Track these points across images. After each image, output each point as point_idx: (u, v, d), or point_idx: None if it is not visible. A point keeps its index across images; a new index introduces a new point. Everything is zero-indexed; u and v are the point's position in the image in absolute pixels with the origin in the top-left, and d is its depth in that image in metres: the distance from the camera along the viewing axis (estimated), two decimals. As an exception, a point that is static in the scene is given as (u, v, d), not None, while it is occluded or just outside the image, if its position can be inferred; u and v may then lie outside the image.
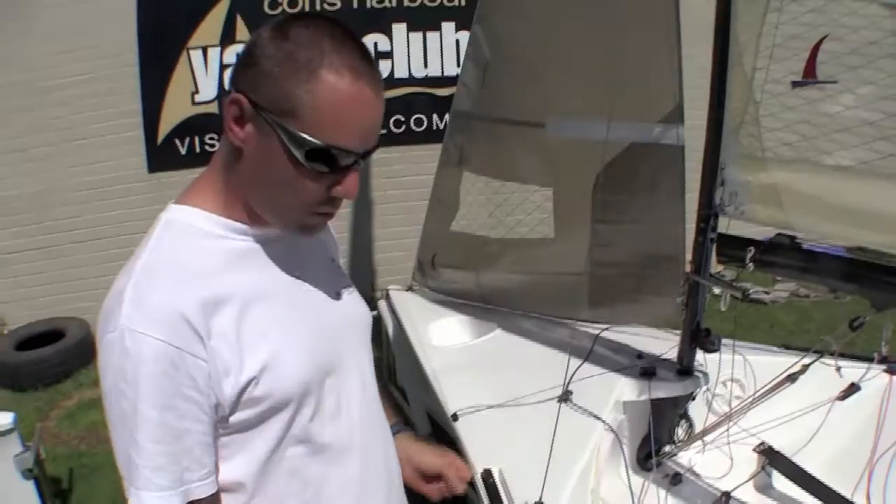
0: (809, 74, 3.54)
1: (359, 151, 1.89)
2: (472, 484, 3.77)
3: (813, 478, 3.91)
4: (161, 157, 9.79)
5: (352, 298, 2.39)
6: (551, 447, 3.30)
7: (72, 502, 6.59)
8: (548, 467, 3.41)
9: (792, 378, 4.10)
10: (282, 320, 2.04)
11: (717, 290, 4.28)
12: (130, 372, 1.79)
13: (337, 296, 2.31)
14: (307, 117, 1.83)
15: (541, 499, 3.40)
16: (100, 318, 1.89)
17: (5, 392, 8.77)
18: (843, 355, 4.37)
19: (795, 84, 3.62)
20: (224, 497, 2.02)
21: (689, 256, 4.33)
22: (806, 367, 4.09)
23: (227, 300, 1.93)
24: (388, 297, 6.31)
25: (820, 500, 3.82)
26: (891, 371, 4.51)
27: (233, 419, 1.94)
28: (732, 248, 4.04)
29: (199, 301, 1.86)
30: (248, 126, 1.91)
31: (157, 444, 1.83)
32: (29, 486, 5.80)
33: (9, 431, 5.58)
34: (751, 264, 3.89)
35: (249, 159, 1.95)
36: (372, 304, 6.70)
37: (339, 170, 1.90)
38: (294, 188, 1.91)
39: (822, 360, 4.17)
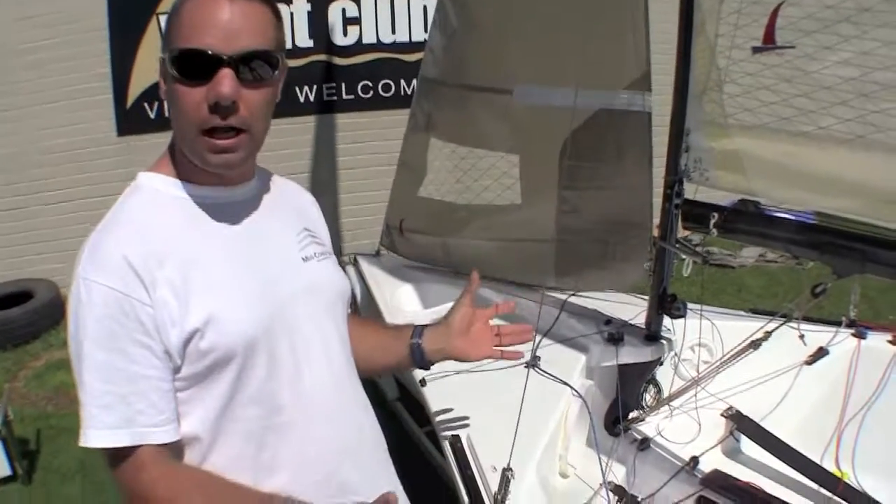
0: (768, 40, 3.54)
1: (218, 52, 1.94)
2: (439, 450, 3.80)
3: (781, 442, 3.93)
4: (130, 120, 9.81)
5: (321, 267, 2.44)
6: (519, 413, 3.31)
7: (39, 463, 6.61)
8: (516, 433, 3.41)
9: (755, 344, 4.12)
10: (229, 277, 2.11)
11: (682, 255, 4.29)
12: (82, 317, 1.95)
13: (301, 262, 2.36)
14: (175, 37, 1.99)
15: (509, 464, 3.42)
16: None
17: (-28, 353, 8.77)
18: (810, 319, 4.39)
19: (756, 50, 3.62)
20: (184, 449, 2.09)
21: (656, 222, 4.34)
22: (769, 333, 4.10)
23: (177, 254, 2.02)
24: (355, 263, 6.35)
25: (788, 464, 3.85)
26: (858, 335, 4.52)
27: (184, 371, 2.03)
28: (697, 214, 4.05)
29: (148, 253, 1.98)
30: (163, 79, 2.06)
31: (104, 384, 1.94)
32: None
33: None
34: (714, 230, 3.90)
35: (168, 105, 2.08)
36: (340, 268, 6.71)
37: (210, 75, 1.95)
38: (181, 107, 2.01)
39: (788, 325, 4.18)
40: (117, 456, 1.98)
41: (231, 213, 2.22)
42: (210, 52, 1.93)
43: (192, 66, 1.95)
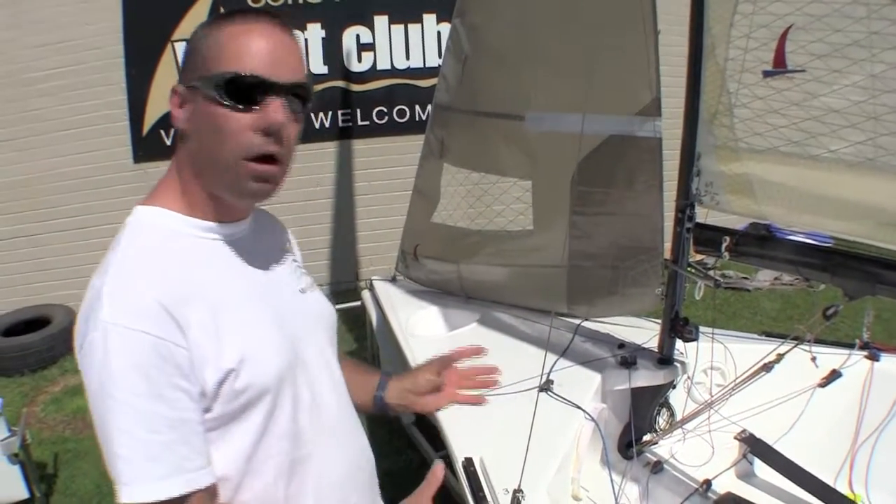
0: (779, 64, 3.56)
1: (270, 79, 1.94)
2: (453, 472, 3.81)
3: (794, 465, 3.93)
4: (147, 147, 9.87)
5: (315, 297, 2.46)
6: (529, 435, 3.33)
7: (57, 487, 6.62)
8: (526, 456, 3.43)
9: (767, 367, 4.11)
10: (256, 315, 2.10)
11: (695, 280, 4.29)
12: (117, 367, 1.80)
13: (301, 293, 2.38)
14: (216, 61, 1.95)
15: (520, 486, 3.43)
16: (77, 323, 1.93)
17: (-9, 377, 8.81)
18: (824, 342, 4.38)
19: (766, 74, 3.63)
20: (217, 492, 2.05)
21: (667, 245, 4.35)
22: (781, 356, 4.11)
23: (203, 294, 1.98)
24: (371, 288, 6.37)
25: (801, 487, 3.84)
26: (872, 357, 4.53)
27: (215, 411, 1.97)
28: (709, 237, 4.06)
29: (176, 293, 1.91)
30: (186, 107, 2.02)
31: (149, 434, 1.82)
32: (14, 471, 5.88)
33: None
34: (726, 254, 3.91)
35: (193, 133, 2.04)
36: (355, 294, 6.74)
37: (260, 103, 1.95)
38: (225, 133, 1.96)
39: (800, 347, 4.19)
40: None
41: (240, 249, 2.20)
42: (266, 79, 1.94)
43: (242, 90, 1.93)
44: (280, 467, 2.12)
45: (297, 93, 2.01)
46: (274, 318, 2.16)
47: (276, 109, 1.94)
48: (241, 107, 1.94)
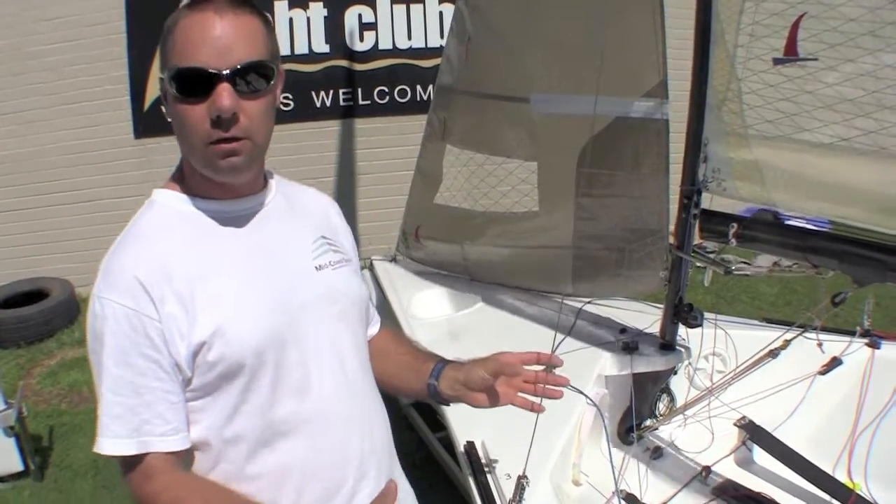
0: (790, 52, 3.54)
1: (210, 68, 1.98)
2: (453, 455, 3.79)
3: (793, 452, 3.93)
4: (147, 123, 9.81)
5: (337, 275, 2.42)
6: (535, 421, 3.33)
7: (52, 460, 6.62)
8: (532, 442, 3.41)
9: (773, 353, 4.12)
10: (239, 289, 2.14)
11: (699, 264, 4.28)
12: (98, 332, 2.05)
13: (315, 271, 2.36)
14: (171, 57, 2.04)
15: (524, 472, 3.42)
16: None
17: (-13, 348, 8.87)
18: (824, 329, 4.38)
19: (777, 61, 3.62)
20: (195, 455, 2.16)
21: (672, 230, 4.34)
22: (788, 342, 4.10)
23: (186, 269, 2.08)
24: (371, 268, 6.36)
25: (800, 474, 3.85)
26: (872, 344, 4.52)
27: (194, 382, 2.08)
28: (715, 223, 4.05)
29: (157, 269, 2.06)
30: (165, 98, 2.10)
31: (115, 396, 2.03)
32: (10, 443, 5.96)
33: None
34: (733, 240, 3.90)
35: (173, 123, 2.12)
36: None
37: (209, 91, 2.00)
38: (185, 124, 2.06)
39: (805, 335, 4.18)
40: (128, 464, 2.06)
41: (241, 225, 2.25)
42: (206, 70, 1.98)
43: (191, 84, 2.00)
44: (256, 443, 2.15)
45: (255, 71, 2.05)
46: (266, 293, 2.19)
47: (219, 96, 1.98)
48: (192, 99, 2.01)
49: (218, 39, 1.98)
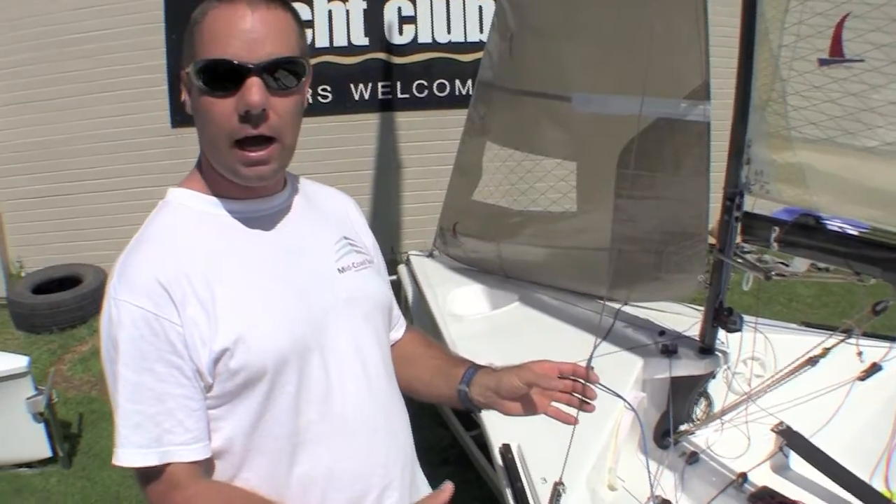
0: (836, 53, 3.49)
1: (241, 61, 1.94)
2: (487, 457, 3.76)
3: (830, 459, 3.89)
4: (185, 113, 9.65)
5: (360, 277, 2.37)
6: (573, 426, 3.30)
7: (80, 447, 6.68)
8: (569, 448, 3.37)
9: (813, 361, 4.07)
10: (261, 294, 2.09)
11: (740, 267, 4.24)
12: (114, 337, 1.96)
13: (337, 273, 2.31)
14: (199, 49, 2.00)
15: (561, 479, 3.39)
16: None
17: (20, 333, 8.98)
18: (864, 334, 4.33)
19: (822, 62, 3.57)
20: (215, 464, 2.09)
21: (712, 233, 4.31)
22: (828, 350, 4.06)
23: (206, 272, 2.02)
24: (408, 263, 6.36)
25: (836, 482, 3.81)
26: (914, 350, 4.47)
27: (215, 389, 2.02)
28: (758, 227, 4.01)
29: (177, 271, 2.00)
30: (190, 93, 2.06)
31: (134, 405, 1.96)
32: (39, 429, 6.00)
33: (23, 374, 5.79)
34: (775, 244, 3.86)
35: (195, 119, 2.08)
36: (391, 267, 6.74)
37: (238, 85, 1.96)
38: (210, 119, 2.02)
39: (846, 342, 4.14)
40: (148, 475, 2.00)
41: (262, 226, 2.21)
42: (235, 62, 1.94)
43: (219, 77, 1.96)
44: (280, 450, 2.11)
45: (285, 67, 2.01)
46: (288, 298, 2.14)
47: (248, 90, 1.94)
48: (219, 93, 1.97)
49: (249, 32, 1.95)
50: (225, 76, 1.94)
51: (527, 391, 2.42)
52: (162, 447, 1.96)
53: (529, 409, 2.47)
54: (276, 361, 2.04)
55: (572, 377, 2.40)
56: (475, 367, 2.59)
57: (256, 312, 2.05)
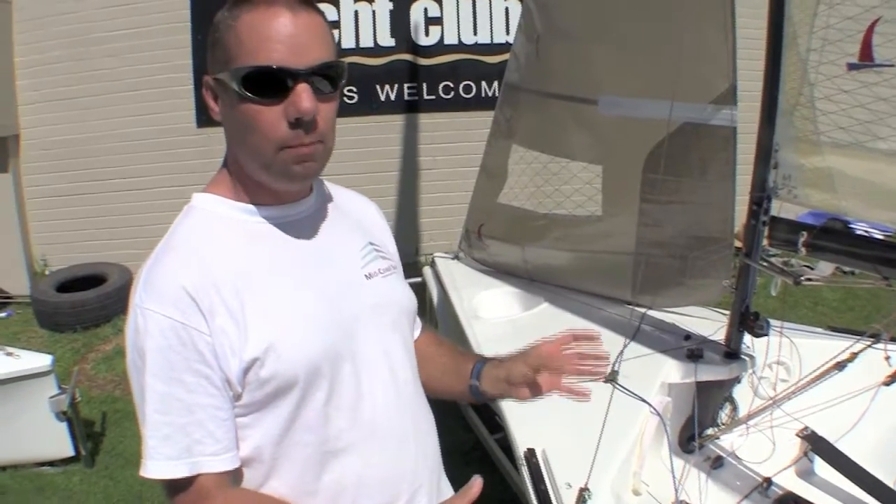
0: (866, 57, 3.48)
1: (291, 67, 1.90)
2: (511, 459, 3.75)
3: (855, 464, 3.88)
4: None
5: (387, 283, 2.35)
6: (601, 431, 3.27)
7: (103, 446, 6.70)
8: (596, 453, 3.37)
9: (840, 366, 4.05)
10: (291, 302, 2.06)
11: (767, 272, 4.22)
12: (140, 347, 1.91)
13: (364, 280, 2.28)
14: (236, 55, 1.93)
15: (587, 485, 3.38)
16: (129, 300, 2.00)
17: (44, 331, 9.00)
18: (891, 339, 4.30)
19: (851, 66, 3.55)
20: (243, 472, 2.07)
21: (737, 237, 4.30)
22: (855, 354, 4.04)
23: (235, 279, 1.98)
24: (433, 265, 6.33)
25: (862, 488, 3.79)
26: (941, 355, 4.44)
27: (244, 399, 1.99)
28: (785, 231, 3.99)
29: (205, 279, 1.95)
30: (218, 99, 2.02)
31: (163, 416, 1.92)
32: (62, 428, 6.02)
33: (46, 373, 5.81)
34: (803, 249, 3.84)
35: (226, 127, 2.04)
36: (415, 268, 6.69)
37: (285, 91, 1.91)
38: (255, 127, 1.95)
39: (874, 347, 4.12)
40: (177, 486, 1.97)
41: (290, 232, 2.16)
42: (285, 68, 1.89)
43: (265, 83, 1.91)
44: (310, 459, 2.09)
45: (325, 73, 1.97)
46: (318, 305, 2.12)
47: (301, 98, 1.90)
48: (267, 100, 1.92)
49: (295, 37, 1.91)
50: (272, 83, 1.90)
51: (535, 376, 2.43)
52: (192, 458, 1.93)
53: (542, 389, 2.45)
54: (307, 370, 2.02)
55: (574, 342, 2.40)
56: (483, 361, 2.60)
57: (287, 320, 2.02)
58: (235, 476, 2.03)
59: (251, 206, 2.12)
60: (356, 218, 2.46)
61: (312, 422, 2.06)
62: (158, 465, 1.93)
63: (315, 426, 2.07)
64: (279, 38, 1.90)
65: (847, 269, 5.80)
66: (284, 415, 2.03)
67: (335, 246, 2.26)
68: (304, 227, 2.20)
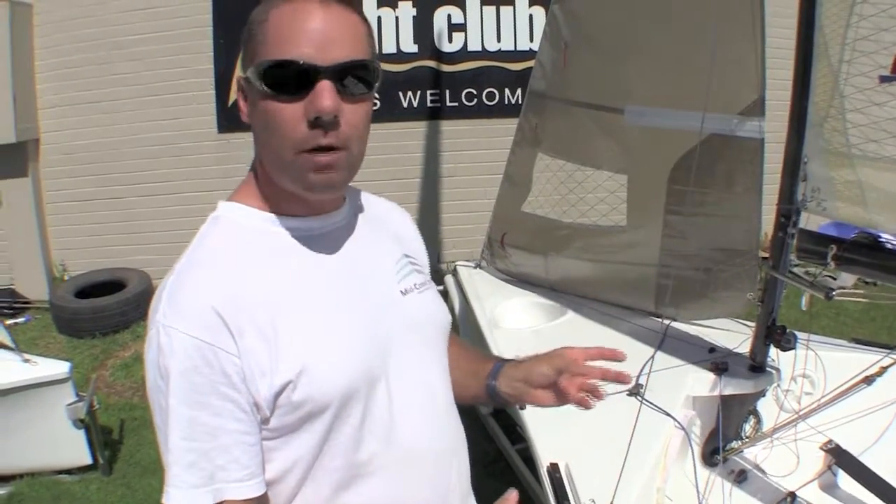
0: (898, 70, 3.46)
1: (313, 63, 1.81)
2: (533, 471, 3.72)
3: (880, 479, 3.85)
4: (231, 117, 9.87)
5: (422, 300, 2.26)
6: (628, 447, 3.25)
7: (121, 454, 6.69)
8: (622, 470, 3.35)
9: (868, 380, 4.03)
10: (325, 321, 1.97)
11: (795, 286, 4.20)
12: (164, 367, 1.79)
13: (400, 296, 2.20)
14: (263, 50, 1.85)
15: (612, 501, 3.34)
16: (149, 313, 1.90)
17: (62, 337, 8.99)
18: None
19: (883, 79, 3.52)
20: (268, 496, 1.97)
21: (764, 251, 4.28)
22: (885, 369, 4.02)
23: (266, 297, 1.89)
24: (455, 273, 6.32)
25: (886, 501, 3.76)
26: (966, 369, 4.41)
27: (273, 423, 1.89)
28: (813, 244, 3.97)
29: (234, 296, 1.84)
30: (247, 99, 1.94)
31: (188, 442, 1.80)
32: (79, 435, 6.01)
33: (64, 380, 5.80)
34: (832, 262, 3.81)
35: (255, 126, 1.94)
36: (437, 276, 6.70)
37: (307, 88, 1.82)
38: (277, 126, 1.85)
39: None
40: None
41: (323, 245, 2.06)
42: (305, 63, 1.80)
43: (286, 79, 1.82)
44: (339, 483, 2.01)
45: (355, 73, 1.88)
46: (353, 324, 2.03)
47: (320, 95, 1.80)
48: (286, 96, 1.83)
49: (320, 31, 1.82)
50: (293, 79, 1.82)
51: (555, 378, 2.36)
52: (215, 484, 1.83)
53: (559, 398, 2.39)
54: (342, 393, 1.93)
55: (601, 359, 2.33)
56: (502, 362, 2.54)
57: (321, 342, 1.93)
58: (261, 501, 1.94)
59: (280, 218, 2.02)
60: (391, 229, 2.37)
61: (344, 445, 1.98)
62: (182, 493, 1.82)
63: (346, 450, 1.99)
64: (305, 32, 1.82)
65: (869, 280, 5.76)
66: (315, 439, 1.94)
67: (370, 260, 2.17)
68: (338, 240, 2.11)
